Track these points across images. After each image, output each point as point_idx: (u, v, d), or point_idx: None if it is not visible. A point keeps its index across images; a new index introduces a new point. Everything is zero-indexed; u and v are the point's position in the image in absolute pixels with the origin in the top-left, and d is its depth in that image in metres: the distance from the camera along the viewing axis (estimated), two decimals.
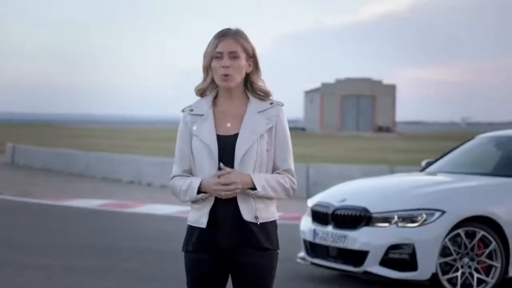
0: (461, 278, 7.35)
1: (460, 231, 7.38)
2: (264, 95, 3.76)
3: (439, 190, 7.79)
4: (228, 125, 3.71)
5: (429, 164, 9.09)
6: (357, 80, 77.16)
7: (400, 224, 7.41)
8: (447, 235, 7.33)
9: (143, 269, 8.79)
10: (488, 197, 7.71)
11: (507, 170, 8.29)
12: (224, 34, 3.72)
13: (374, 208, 7.52)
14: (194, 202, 3.70)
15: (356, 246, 7.48)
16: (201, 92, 3.81)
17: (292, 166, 3.73)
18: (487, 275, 7.41)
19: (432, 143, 50.20)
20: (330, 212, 7.87)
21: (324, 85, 77.77)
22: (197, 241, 3.69)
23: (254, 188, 3.60)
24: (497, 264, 7.41)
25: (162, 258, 9.47)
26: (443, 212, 7.37)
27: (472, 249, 7.40)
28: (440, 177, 8.38)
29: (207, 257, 3.69)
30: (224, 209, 3.65)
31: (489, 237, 7.41)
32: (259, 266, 3.65)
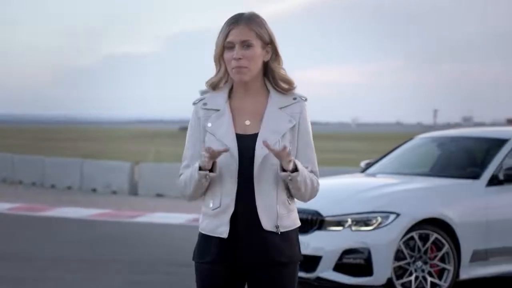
0: (415, 282, 7.20)
1: (414, 234, 7.22)
2: (287, 86, 3.34)
3: (393, 192, 7.61)
4: (247, 122, 3.31)
5: (368, 165, 8.93)
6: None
7: (354, 228, 7.19)
8: (401, 239, 7.17)
9: (70, 278, 8.28)
10: (440, 199, 7.60)
11: (448, 170, 8.24)
12: (236, 21, 3.30)
13: (327, 212, 7.26)
14: (209, 208, 3.29)
15: (308, 251, 7.17)
16: (213, 85, 3.38)
17: (316, 167, 3.36)
18: (440, 279, 7.29)
19: (327, 144, 50.89)
20: None
21: None
22: (216, 253, 3.28)
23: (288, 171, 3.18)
24: (450, 267, 7.30)
25: (91, 267, 8.97)
26: (398, 214, 7.19)
27: (426, 252, 7.26)
28: (391, 179, 8.22)
29: (225, 269, 3.30)
30: (244, 217, 3.26)
31: (442, 240, 7.29)
32: (280, 282, 3.29)
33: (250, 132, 3.29)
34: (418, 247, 7.24)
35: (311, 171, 3.32)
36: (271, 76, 3.35)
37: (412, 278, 7.19)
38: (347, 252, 7.11)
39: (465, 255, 7.40)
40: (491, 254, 7.60)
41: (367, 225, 7.18)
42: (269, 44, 3.32)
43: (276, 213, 3.26)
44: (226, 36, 3.30)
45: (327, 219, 7.23)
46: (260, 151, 3.24)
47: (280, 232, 3.26)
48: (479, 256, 7.52)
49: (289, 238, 3.30)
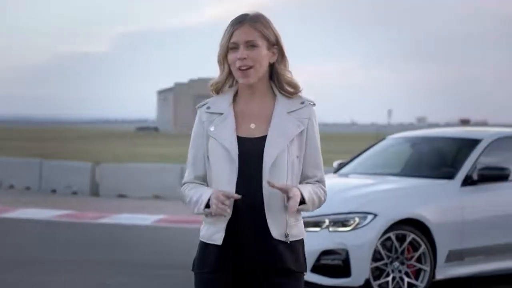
0: (392, 283, 7.17)
1: (391, 234, 7.19)
2: (293, 90, 3.23)
3: (370, 193, 7.57)
4: (252, 126, 3.19)
5: (341, 165, 8.89)
6: (211, 80, 77.18)
7: (331, 229, 7.13)
8: (379, 239, 7.13)
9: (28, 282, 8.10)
10: (417, 199, 7.58)
11: (422, 171, 8.23)
12: (240, 21, 3.19)
13: (304, 212, 7.17)
14: (207, 215, 3.19)
15: None
16: (217, 88, 3.27)
17: (324, 175, 3.26)
18: (417, 279, 7.27)
19: None
20: None
21: (177, 84, 77.37)
22: (213, 261, 3.17)
23: (300, 202, 3.11)
24: (426, 267, 7.29)
25: (62, 269, 8.79)
26: (375, 215, 7.16)
27: (402, 253, 7.24)
28: (366, 179, 8.18)
29: (226, 278, 3.18)
30: (247, 224, 3.14)
31: (419, 240, 7.28)
32: None
33: (257, 135, 3.18)
34: (395, 247, 7.21)
35: (318, 180, 3.23)
36: (277, 79, 3.24)
37: (390, 278, 7.16)
38: (325, 253, 7.06)
39: (441, 255, 7.40)
40: (466, 254, 7.61)
41: (345, 225, 7.13)
42: (275, 45, 3.22)
43: (285, 221, 3.15)
44: (230, 36, 3.19)
45: (304, 219, 7.12)
46: (269, 154, 3.12)
47: (289, 241, 3.15)
48: (455, 256, 7.52)
49: (296, 248, 3.19)
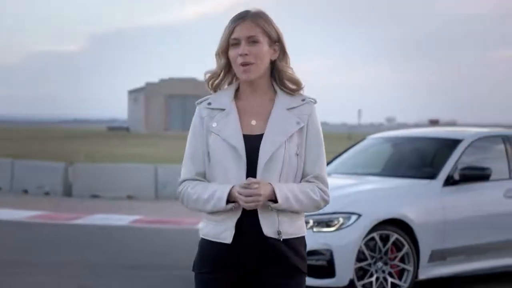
0: (376, 283, 7.13)
1: (375, 234, 7.16)
2: (295, 87, 3.18)
3: (354, 193, 7.53)
4: (253, 122, 3.14)
5: None
6: (182, 80, 76.95)
7: (315, 229, 7.07)
8: (363, 239, 7.09)
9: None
10: (400, 199, 7.56)
11: (404, 171, 8.21)
12: (242, 17, 3.14)
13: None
14: (214, 213, 3.12)
15: None
16: (213, 83, 3.20)
17: (324, 173, 3.18)
18: (400, 279, 7.24)
19: None
20: None
21: (149, 84, 76.94)
22: (217, 259, 3.11)
23: (276, 200, 3.06)
24: (410, 267, 7.27)
25: (38, 270, 8.64)
26: (360, 215, 7.11)
27: (386, 253, 7.20)
28: (348, 180, 8.14)
29: (227, 278, 3.12)
30: (249, 222, 3.09)
31: (402, 240, 7.25)
32: None
33: (256, 132, 3.13)
34: (379, 247, 7.18)
35: (316, 177, 3.15)
36: (278, 76, 3.20)
37: (373, 279, 7.13)
38: (309, 253, 6.97)
39: (424, 255, 7.38)
40: (448, 254, 7.60)
41: (329, 226, 7.08)
42: (277, 42, 3.17)
43: (277, 219, 3.09)
44: (231, 32, 3.14)
45: None
46: (264, 152, 3.08)
47: (283, 239, 3.09)
48: (437, 256, 7.51)
49: (293, 246, 3.13)
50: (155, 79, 77.42)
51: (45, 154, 29.24)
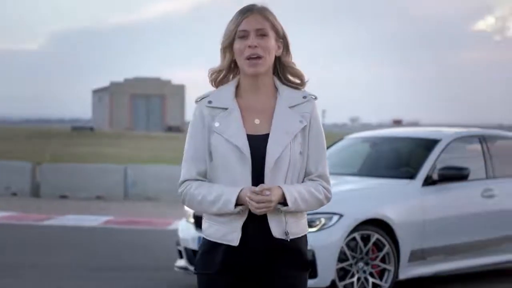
0: (357, 284, 7.12)
1: (356, 235, 7.14)
2: (299, 81, 3.15)
3: (335, 193, 7.42)
4: (257, 121, 3.08)
5: None
6: (146, 79, 76.64)
7: None
8: (345, 240, 7.07)
9: None
10: (381, 199, 7.55)
11: (383, 171, 8.22)
12: (249, 10, 3.08)
13: None
14: (220, 214, 3.06)
15: None
16: (216, 79, 3.14)
17: (326, 171, 3.16)
18: (381, 279, 7.24)
19: None
20: None
21: (113, 84, 76.46)
22: (223, 261, 3.05)
23: (284, 203, 3.02)
24: (390, 267, 7.27)
25: (11, 273, 8.49)
26: (341, 215, 7.09)
27: (367, 253, 7.20)
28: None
29: (233, 279, 3.07)
30: (256, 224, 3.04)
31: (383, 240, 7.25)
32: None
33: (261, 132, 3.07)
34: (360, 248, 7.17)
35: (319, 175, 3.13)
36: (282, 71, 3.15)
37: (355, 279, 7.11)
38: None
39: (404, 255, 7.39)
40: (428, 254, 7.62)
41: (310, 226, 7.03)
42: (281, 38, 3.13)
43: (284, 219, 3.06)
44: (239, 24, 3.07)
45: None
46: (272, 153, 3.03)
47: (290, 239, 3.06)
48: (417, 256, 7.52)
49: (299, 245, 3.11)
50: (119, 78, 76.89)
51: (10, 154, 28.83)
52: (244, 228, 3.04)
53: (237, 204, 3.00)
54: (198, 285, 3.15)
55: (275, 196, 2.98)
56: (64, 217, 13.55)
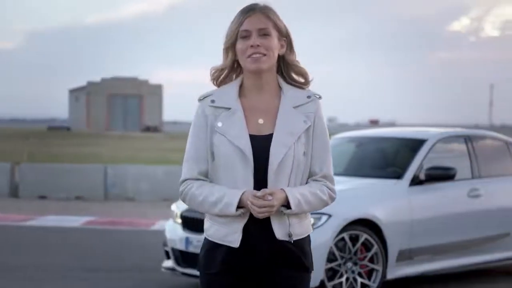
0: (346, 284, 7.10)
1: (345, 235, 7.12)
2: (303, 80, 3.11)
3: None
4: (260, 121, 3.05)
5: None
6: (124, 79, 76.31)
7: None
8: (333, 240, 7.05)
9: None
10: (369, 199, 7.54)
11: (371, 171, 8.21)
12: (251, 9, 3.05)
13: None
14: (221, 215, 3.03)
15: None
16: (218, 77, 3.11)
17: (331, 171, 3.12)
18: (369, 279, 7.23)
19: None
20: None
21: (90, 83, 76.07)
22: (223, 262, 3.03)
23: (287, 205, 2.99)
24: (378, 267, 7.26)
25: None
26: (330, 216, 7.07)
27: (356, 253, 7.18)
28: None
29: (234, 279, 3.04)
30: (258, 225, 3.01)
31: (371, 240, 7.23)
32: None
33: (265, 132, 3.04)
34: (349, 248, 7.15)
35: (324, 176, 3.10)
36: (286, 70, 3.12)
37: (343, 279, 7.10)
38: None
39: (392, 255, 7.38)
40: (415, 253, 7.62)
41: None
42: (284, 37, 3.10)
43: (288, 221, 3.03)
44: (241, 24, 3.04)
45: None
46: (276, 154, 2.99)
47: (293, 241, 3.03)
48: (404, 256, 7.52)
49: (302, 246, 3.08)
50: (96, 78, 76.46)
51: None
52: (246, 229, 3.01)
53: (239, 207, 2.97)
54: (200, 285, 3.13)
55: (278, 201, 2.95)
56: (44, 218, 13.43)
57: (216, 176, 3.06)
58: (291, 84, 3.12)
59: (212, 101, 3.08)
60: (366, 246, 7.24)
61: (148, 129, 74.01)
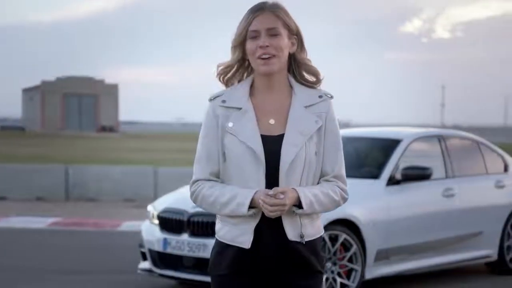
0: (325, 284, 7.08)
1: (325, 235, 7.10)
2: (315, 79, 3.07)
3: None
4: (272, 121, 3.00)
5: None
6: (79, 78, 75.45)
7: None
8: None
9: None
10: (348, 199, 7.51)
11: (347, 170, 8.19)
12: (260, 8, 3.00)
13: None
14: (232, 216, 2.98)
15: None
16: (225, 75, 3.07)
17: (343, 171, 3.10)
18: (348, 279, 7.22)
19: (159, 143, 50.50)
20: (185, 219, 7.20)
21: (45, 83, 75.07)
22: (234, 263, 2.98)
23: (299, 205, 2.95)
24: (358, 267, 7.26)
25: None
26: None
27: (335, 253, 7.17)
28: None
29: (245, 281, 2.99)
30: (270, 226, 2.97)
31: (350, 240, 7.23)
32: None
33: (276, 133, 3.00)
34: (328, 248, 7.13)
35: (336, 176, 3.07)
36: (297, 68, 3.08)
37: (323, 279, 7.07)
38: None
39: (370, 255, 7.39)
40: (392, 253, 7.64)
41: None
42: (295, 35, 3.06)
43: (299, 222, 2.99)
44: (250, 24, 2.99)
45: None
46: (287, 154, 2.95)
47: (305, 242, 2.99)
48: (382, 256, 7.53)
49: (314, 247, 3.04)
50: (51, 77, 75.52)
51: None
52: (257, 230, 2.96)
53: (250, 207, 2.93)
54: (211, 285, 3.09)
55: (290, 200, 2.91)
56: (7, 219, 13.18)
57: (227, 177, 3.02)
58: (302, 83, 3.08)
59: (223, 101, 3.03)
60: (345, 246, 7.23)
61: (104, 129, 73.33)
